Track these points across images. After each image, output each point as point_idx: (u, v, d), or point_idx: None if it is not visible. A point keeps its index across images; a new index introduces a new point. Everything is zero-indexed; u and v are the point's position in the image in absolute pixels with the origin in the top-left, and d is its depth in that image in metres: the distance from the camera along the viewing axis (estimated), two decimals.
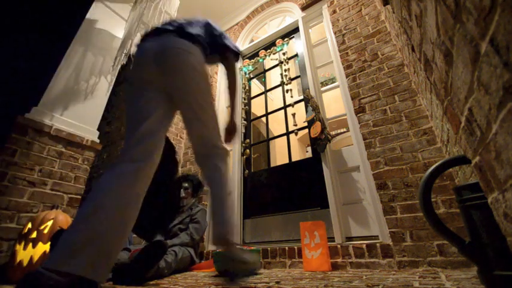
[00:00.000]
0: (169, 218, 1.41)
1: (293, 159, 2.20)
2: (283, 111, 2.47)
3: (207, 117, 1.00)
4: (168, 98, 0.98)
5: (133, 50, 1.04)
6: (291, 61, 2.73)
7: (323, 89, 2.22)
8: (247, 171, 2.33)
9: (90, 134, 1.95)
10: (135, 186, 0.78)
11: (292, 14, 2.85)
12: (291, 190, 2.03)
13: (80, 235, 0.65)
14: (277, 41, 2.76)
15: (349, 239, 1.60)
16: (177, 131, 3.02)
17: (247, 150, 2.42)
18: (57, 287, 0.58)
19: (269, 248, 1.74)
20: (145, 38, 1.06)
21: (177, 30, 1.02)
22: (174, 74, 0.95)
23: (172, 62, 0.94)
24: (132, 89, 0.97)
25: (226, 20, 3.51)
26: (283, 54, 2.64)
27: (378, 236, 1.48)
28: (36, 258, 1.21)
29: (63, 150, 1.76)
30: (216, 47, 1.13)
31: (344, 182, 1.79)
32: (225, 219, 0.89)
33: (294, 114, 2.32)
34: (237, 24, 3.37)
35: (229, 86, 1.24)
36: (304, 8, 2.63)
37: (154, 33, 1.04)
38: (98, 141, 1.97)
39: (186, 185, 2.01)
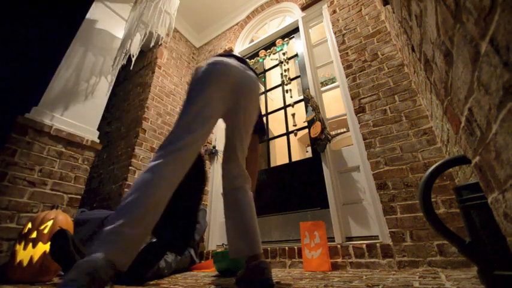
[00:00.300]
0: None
1: (293, 159, 2.20)
2: (283, 111, 2.47)
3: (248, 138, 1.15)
4: (226, 110, 1.07)
5: (210, 62, 1.06)
6: (291, 61, 2.73)
7: (323, 89, 2.22)
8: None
9: (90, 134, 1.95)
10: (173, 191, 0.82)
11: (292, 14, 2.85)
12: (291, 190, 2.03)
13: (137, 232, 0.68)
14: (277, 41, 2.76)
15: (349, 239, 1.60)
16: None
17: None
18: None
19: (269, 248, 1.74)
20: (229, 56, 1.12)
21: (254, 71, 1.20)
22: (250, 98, 1.10)
23: (252, 89, 1.11)
24: (205, 91, 0.98)
25: (226, 20, 3.51)
26: (283, 54, 2.64)
27: (378, 236, 1.48)
28: (36, 258, 1.21)
29: (63, 150, 1.76)
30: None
31: (344, 182, 1.79)
32: (257, 237, 0.96)
33: (293, 114, 2.32)
34: (237, 24, 3.37)
35: (254, 168, 1.29)
36: (304, 8, 2.63)
37: (238, 59, 1.15)
38: (98, 141, 1.97)
39: None
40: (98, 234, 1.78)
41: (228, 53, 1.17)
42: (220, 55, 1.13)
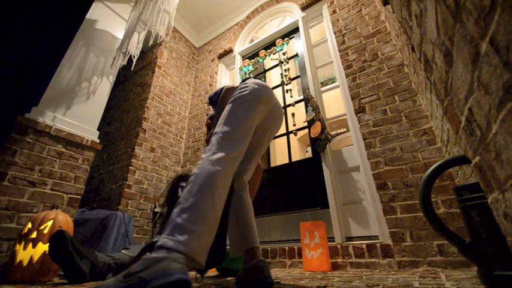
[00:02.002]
0: None
1: (293, 159, 2.20)
2: (283, 111, 2.46)
3: None
4: (258, 125, 1.15)
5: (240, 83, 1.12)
6: (291, 61, 2.73)
7: (323, 89, 2.22)
8: None
9: (90, 134, 1.95)
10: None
11: (292, 14, 2.85)
12: (291, 190, 2.03)
13: (209, 239, 0.71)
14: (277, 41, 2.76)
15: (349, 239, 1.60)
16: (177, 131, 3.02)
17: None
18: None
19: (269, 248, 1.74)
20: (261, 81, 1.18)
21: None
22: (278, 125, 1.25)
23: (281, 117, 1.26)
24: (255, 110, 1.03)
25: (226, 20, 3.51)
26: (283, 54, 2.64)
27: (377, 236, 1.48)
28: (36, 258, 1.21)
29: (63, 150, 1.76)
30: None
31: (344, 182, 1.79)
32: (255, 232, 1.03)
33: (293, 114, 2.32)
34: (237, 24, 3.37)
35: (254, 191, 1.38)
36: (304, 8, 2.63)
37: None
38: (98, 141, 1.97)
39: (184, 184, 2.01)
40: (97, 234, 1.78)
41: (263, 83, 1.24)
42: (262, 83, 1.19)
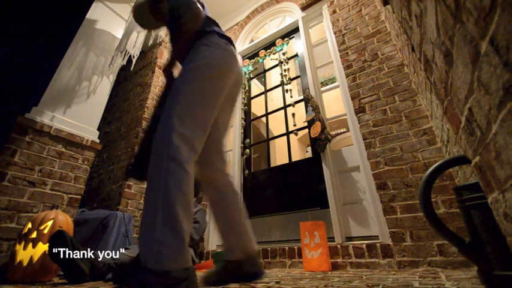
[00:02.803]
0: None
1: (293, 159, 2.20)
2: (283, 111, 2.47)
3: None
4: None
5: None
6: (291, 61, 2.73)
7: (323, 89, 2.22)
8: (247, 171, 2.33)
9: (90, 134, 1.95)
10: None
11: (292, 14, 2.85)
12: (291, 190, 2.03)
13: (187, 241, 0.71)
14: (277, 41, 2.76)
15: (349, 239, 1.60)
16: None
17: (247, 150, 2.42)
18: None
19: (269, 248, 1.74)
20: (233, 46, 1.02)
21: None
22: (238, 93, 1.10)
23: (242, 81, 1.17)
24: (224, 89, 0.91)
25: (226, 20, 3.51)
26: (283, 54, 2.64)
27: (377, 236, 1.48)
28: (36, 258, 1.21)
29: (63, 150, 1.76)
30: None
31: (344, 182, 1.79)
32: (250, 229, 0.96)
33: (293, 114, 2.32)
34: (237, 24, 3.37)
35: None
36: (304, 8, 2.63)
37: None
38: (98, 141, 1.97)
39: None
40: (97, 234, 1.78)
41: (231, 40, 1.05)
42: (230, 41, 1.01)
